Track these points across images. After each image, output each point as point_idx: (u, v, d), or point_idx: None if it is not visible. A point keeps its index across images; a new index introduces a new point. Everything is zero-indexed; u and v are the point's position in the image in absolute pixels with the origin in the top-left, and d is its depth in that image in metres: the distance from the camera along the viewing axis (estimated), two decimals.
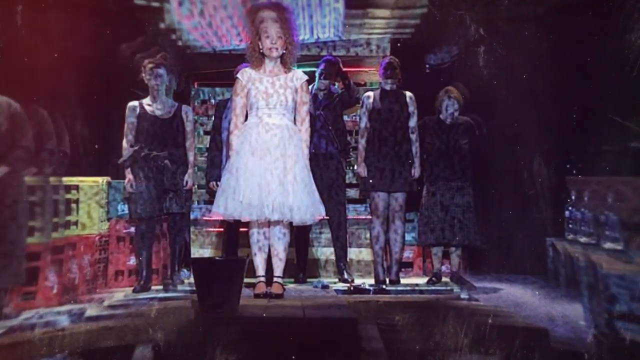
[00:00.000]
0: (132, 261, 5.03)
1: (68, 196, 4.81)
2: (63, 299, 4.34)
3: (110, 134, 5.17)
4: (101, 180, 5.09)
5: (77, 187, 4.94)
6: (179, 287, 4.77)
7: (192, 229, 5.66)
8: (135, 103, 4.81)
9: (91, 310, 3.90)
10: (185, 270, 5.15)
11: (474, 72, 5.32)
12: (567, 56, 4.87)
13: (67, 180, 4.82)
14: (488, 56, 5.23)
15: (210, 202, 4.94)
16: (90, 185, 5.01)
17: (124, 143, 4.79)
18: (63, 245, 4.54)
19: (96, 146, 5.03)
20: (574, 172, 4.65)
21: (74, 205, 4.87)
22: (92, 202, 4.96)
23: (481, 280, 5.16)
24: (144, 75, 4.78)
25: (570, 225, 4.63)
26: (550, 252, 5.02)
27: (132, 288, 4.71)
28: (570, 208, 4.64)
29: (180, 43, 5.98)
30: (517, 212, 5.35)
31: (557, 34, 4.92)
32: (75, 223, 4.91)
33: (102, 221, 5.01)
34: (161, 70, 4.75)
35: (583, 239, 4.43)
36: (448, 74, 5.75)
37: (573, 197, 4.62)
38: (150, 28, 5.46)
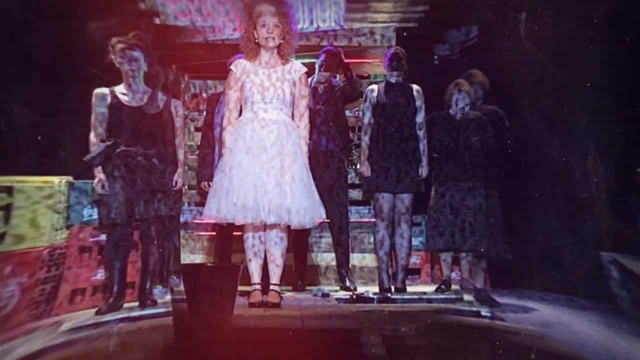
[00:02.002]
0: (100, 275, 4.20)
1: None
2: None
3: (65, 125, 4.33)
4: (58, 180, 4.12)
5: (9, 190, 3.80)
6: (160, 300, 4.16)
7: (182, 233, 5.24)
8: (104, 90, 4.00)
9: None
10: (174, 277, 4.58)
11: (511, 46, 4.47)
12: (629, 25, 3.93)
13: None
14: (531, 25, 4.31)
15: (202, 203, 4.50)
16: (39, 186, 4.02)
17: (92, 137, 3.95)
18: None
19: (39, 138, 4.08)
20: None
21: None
22: (40, 208, 3.96)
23: (505, 295, 4.53)
24: (113, 57, 3.96)
25: None
26: (613, 272, 4.06)
27: (95, 309, 3.88)
28: None
29: (158, 21, 5.18)
30: (563, 219, 4.54)
31: None
32: (2, 236, 3.73)
33: (57, 230, 4.08)
34: (136, 53, 3.98)
35: None
36: (465, 61, 5.11)
37: None
38: None
